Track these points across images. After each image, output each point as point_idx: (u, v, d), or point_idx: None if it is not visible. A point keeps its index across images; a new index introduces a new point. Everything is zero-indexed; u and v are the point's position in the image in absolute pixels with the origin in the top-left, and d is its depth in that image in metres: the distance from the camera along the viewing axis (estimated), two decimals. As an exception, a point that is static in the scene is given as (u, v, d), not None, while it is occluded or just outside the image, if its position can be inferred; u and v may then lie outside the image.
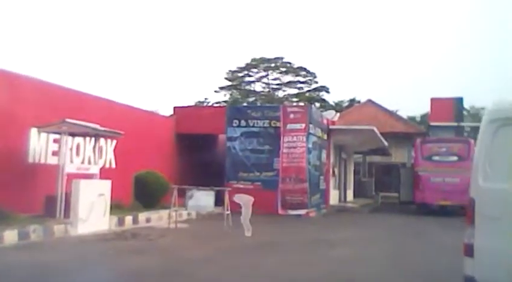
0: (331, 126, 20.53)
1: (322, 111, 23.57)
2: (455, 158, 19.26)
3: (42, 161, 11.55)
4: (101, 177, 11.35)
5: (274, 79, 48.29)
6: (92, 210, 10.21)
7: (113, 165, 14.15)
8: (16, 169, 10.79)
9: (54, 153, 11.60)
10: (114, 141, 14.00)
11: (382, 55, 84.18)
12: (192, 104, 43.52)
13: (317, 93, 48.09)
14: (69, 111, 11.44)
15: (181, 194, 11.77)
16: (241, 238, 10.10)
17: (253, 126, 17.23)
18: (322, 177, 18.73)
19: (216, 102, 46.87)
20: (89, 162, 12.48)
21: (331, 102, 48.66)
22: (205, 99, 49.50)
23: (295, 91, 48.25)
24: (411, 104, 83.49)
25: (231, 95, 49.09)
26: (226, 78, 48.39)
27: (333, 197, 21.71)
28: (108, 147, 14.00)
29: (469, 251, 4.26)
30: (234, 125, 17.39)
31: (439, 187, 18.69)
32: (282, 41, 79.16)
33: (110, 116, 13.39)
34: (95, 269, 6.94)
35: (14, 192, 10.26)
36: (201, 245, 9.50)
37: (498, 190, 4.18)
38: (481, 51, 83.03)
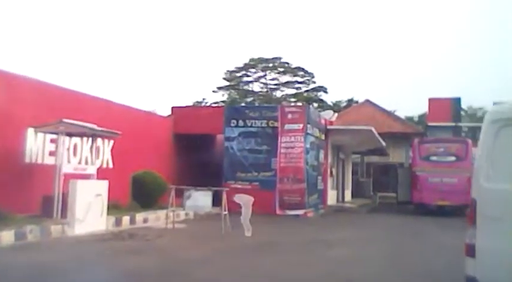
0: (329, 127, 20.52)
1: (320, 112, 23.56)
2: (453, 158, 19.29)
3: (39, 161, 11.50)
4: (98, 178, 11.32)
5: (272, 79, 48.34)
6: (89, 211, 10.17)
7: (110, 166, 14.10)
8: (13, 169, 10.74)
9: (51, 154, 11.55)
10: (112, 141, 13.96)
11: (380, 55, 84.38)
12: (190, 104, 43.59)
13: (315, 93, 48.13)
14: (66, 111, 11.40)
15: (179, 194, 11.74)
16: (239, 238, 10.08)
17: (251, 126, 17.21)
18: (320, 178, 18.72)
19: (214, 102, 46.87)
20: (86, 163, 12.43)
21: (329, 103, 48.73)
22: (203, 99, 49.56)
23: (293, 91, 48.30)
24: (409, 104, 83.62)
25: (229, 95, 49.10)
26: (224, 78, 48.42)
27: (331, 197, 21.71)
28: (106, 147, 13.96)
29: (470, 251, 4.28)
30: (232, 125, 17.36)
31: (436, 187, 18.69)
32: (280, 41, 79.28)
33: (107, 116, 13.35)
34: (92, 270, 6.90)
35: (11, 192, 10.21)
36: (199, 245, 9.47)
37: (500, 190, 4.19)
38: (479, 52, 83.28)
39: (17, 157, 10.91)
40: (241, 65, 47.49)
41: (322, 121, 19.76)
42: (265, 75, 48.06)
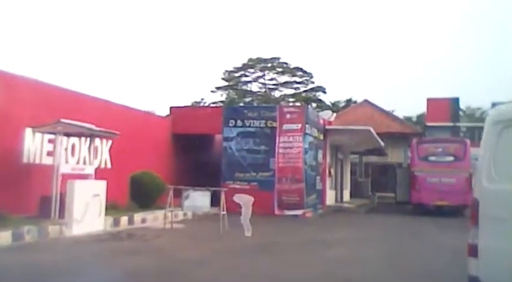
0: (327, 127, 20.51)
1: (318, 112, 23.56)
2: (451, 158, 19.30)
3: (37, 161, 11.45)
4: (96, 178, 11.27)
5: (271, 79, 48.36)
6: (87, 211, 10.13)
7: (109, 166, 14.07)
8: (10, 169, 10.69)
9: (49, 154, 11.51)
10: (110, 142, 13.92)
11: (379, 55, 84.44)
12: (189, 104, 43.56)
13: (313, 93, 48.18)
14: (64, 111, 11.35)
15: (177, 194, 11.72)
16: (238, 238, 10.06)
17: (249, 127, 17.18)
18: (318, 178, 18.71)
19: (213, 103, 46.89)
20: (84, 163, 12.39)
21: (328, 103, 48.79)
22: (202, 99, 49.57)
23: (292, 91, 48.34)
24: (407, 104, 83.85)
25: (227, 95, 49.11)
26: (222, 79, 48.44)
27: (330, 197, 21.69)
28: (104, 147, 13.92)
29: (473, 251, 4.31)
30: (231, 125, 17.34)
31: (435, 187, 18.70)
32: (278, 41, 79.28)
33: (105, 116, 13.31)
34: (90, 270, 6.86)
35: (8, 192, 10.16)
36: (198, 246, 9.44)
37: (502, 191, 4.21)
38: (477, 52, 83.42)
39: (14, 157, 10.86)
40: (239, 65, 47.53)
41: (321, 121, 19.74)
42: (264, 75, 48.08)
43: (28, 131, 11.10)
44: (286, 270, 7.22)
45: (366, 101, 36.59)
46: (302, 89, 48.08)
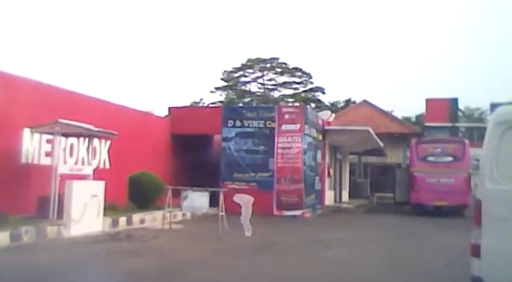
0: (326, 127, 20.49)
1: (317, 112, 23.53)
2: (450, 159, 19.31)
3: (35, 161, 11.41)
4: (95, 178, 11.24)
5: (270, 79, 48.37)
6: (85, 211, 10.09)
7: (107, 166, 14.03)
8: (8, 170, 10.64)
9: (48, 154, 11.46)
10: (108, 142, 13.89)
11: (378, 56, 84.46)
12: (188, 104, 43.55)
13: (312, 93, 48.20)
14: (63, 111, 11.30)
15: (176, 194, 11.69)
16: (237, 238, 10.04)
17: (248, 127, 17.16)
18: (317, 178, 18.68)
19: (212, 103, 46.89)
20: (83, 163, 12.36)
21: (327, 103, 48.81)
22: (201, 99, 49.56)
23: (291, 92, 48.35)
24: (406, 105, 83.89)
25: (226, 95, 49.12)
26: (221, 79, 48.44)
27: (328, 198, 21.67)
28: (102, 147, 13.88)
29: (476, 251, 4.32)
30: (229, 125, 17.32)
31: (434, 187, 18.70)
32: (277, 42, 79.29)
33: (104, 116, 13.27)
34: (88, 271, 6.84)
35: (6, 193, 10.11)
36: (197, 246, 9.42)
37: (505, 191, 4.24)
38: (476, 52, 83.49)
39: (12, 157, 10.82)
40: (238, 66, 47.54)
41: (320, 121, 19.73)
42: (263, 75, 48.08)
43: (26, 131, 11.05)
44: (286, 270, 7.21)
45: (364, 101, 36.58)
46: (301, 90, 48.12)
